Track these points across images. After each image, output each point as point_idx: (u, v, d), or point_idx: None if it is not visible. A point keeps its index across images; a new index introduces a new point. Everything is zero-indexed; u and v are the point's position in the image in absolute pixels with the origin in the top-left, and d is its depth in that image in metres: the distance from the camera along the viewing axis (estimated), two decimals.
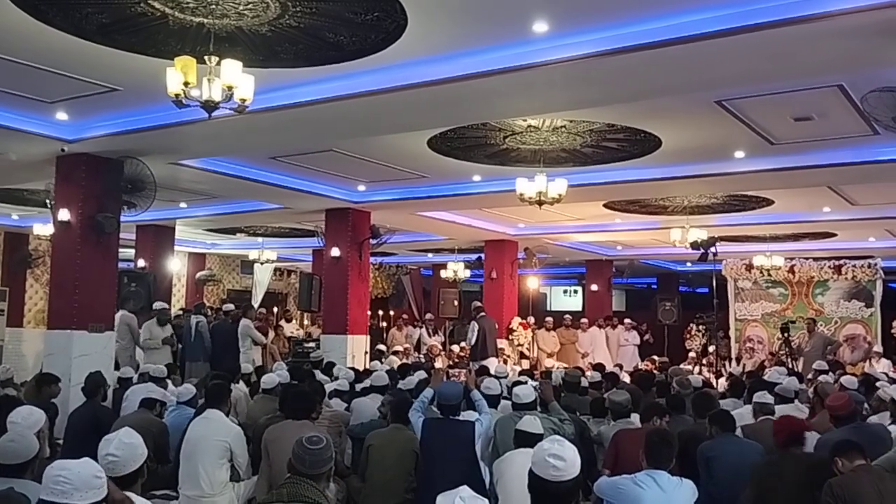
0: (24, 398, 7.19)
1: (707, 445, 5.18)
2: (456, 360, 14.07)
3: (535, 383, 6.71)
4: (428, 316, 17.84)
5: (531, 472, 3.01)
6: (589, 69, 5.89)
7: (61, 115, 7.97)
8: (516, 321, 15.69)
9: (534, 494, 3.01)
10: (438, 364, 12.80)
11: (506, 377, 8.66)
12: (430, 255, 20.17)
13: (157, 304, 11.03)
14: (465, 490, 2.33)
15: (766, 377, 8.31)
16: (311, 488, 3.29)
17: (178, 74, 5.13)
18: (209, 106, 5.26)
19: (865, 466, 4.17)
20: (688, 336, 16.77)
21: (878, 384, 7.37)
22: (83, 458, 2.75)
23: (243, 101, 5.31)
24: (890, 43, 5.16)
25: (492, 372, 8.93)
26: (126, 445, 3.22)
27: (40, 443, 3.97)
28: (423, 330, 16.83)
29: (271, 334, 13.52)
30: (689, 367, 13.21)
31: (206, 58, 5.25)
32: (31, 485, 3.41)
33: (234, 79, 5.19)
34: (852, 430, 5.10)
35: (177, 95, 5.19)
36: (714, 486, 4.95)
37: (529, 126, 8.09)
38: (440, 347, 15.11)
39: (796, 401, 7.06)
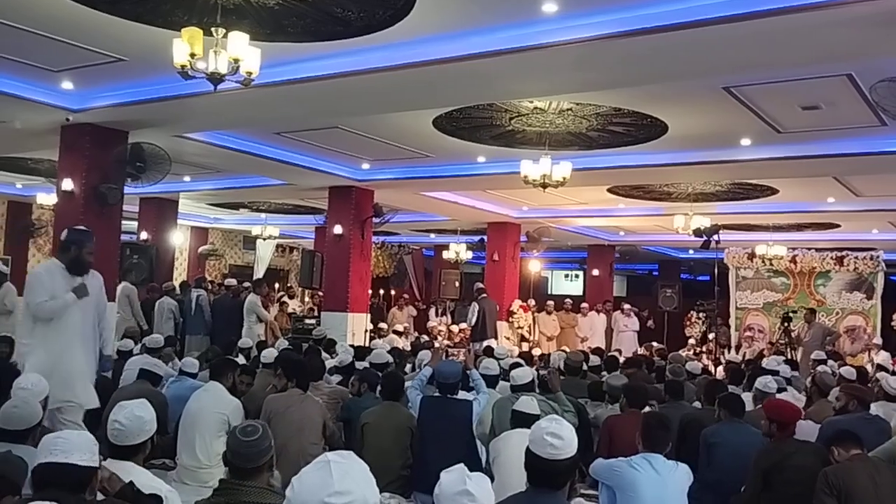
0: None
1: (711, 431, 5.10)
2: (456, 341, 14.12)
3: (544, 371, 6.67)
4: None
5: (528, 451, 3.02)
6: (597, 51, 5.86)
7: (67, 85, 7.94)
8: (517, 304, 15.71)
9: (530, 473, 3.03)
10: (438, 343, 12.86)
11: (505, 358, 8.67)
12: (432, 235, 20.17)
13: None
14: (465, 468, 2.34)
15: (764, 365, 8.33)
16: (251, 492, 2.78)
17: (184, 45, 5.10)
18: (215, 78, 5.25)
19: (861, 456, 4.18)
20: (688, 323, 16.81)
21: (878, 375, 7.40)
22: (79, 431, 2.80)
23: (249, 74, 5.31)
24: None
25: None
26: (136, 418, 3.26)
27: (43, 411, 4.00)
28: (432, 310, 16.87)
29: (274, 311, 13.52)
30: (689, 354, 13.25)
31: (212, 30, 5.23)
32: (31, 450, 3.42)
33: (240, 52, 5.17)
34: (863, 420, 5.10)
35: (183, 67, 5.18)
36: (711, 472, 4.93)
37: (535, 108, 8.06)
38: (444, 328, 15.16)
39: (791, 388, 7.09)
